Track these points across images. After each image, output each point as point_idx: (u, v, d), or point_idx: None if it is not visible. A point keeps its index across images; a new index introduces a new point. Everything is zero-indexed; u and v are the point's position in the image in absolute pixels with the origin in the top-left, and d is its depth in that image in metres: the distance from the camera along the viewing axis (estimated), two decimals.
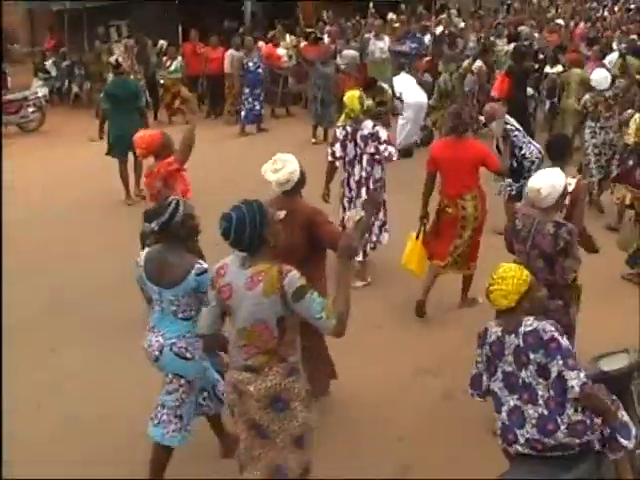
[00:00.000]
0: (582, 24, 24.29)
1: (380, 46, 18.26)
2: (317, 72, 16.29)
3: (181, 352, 5.14)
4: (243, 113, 17.02)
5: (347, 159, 8.85)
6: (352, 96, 8.87)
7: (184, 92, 17.71)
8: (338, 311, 4.13)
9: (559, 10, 31.56)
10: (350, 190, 8.96)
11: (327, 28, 21.03)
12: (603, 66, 14.30)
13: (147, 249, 5.39)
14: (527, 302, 4.56)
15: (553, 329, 4.39)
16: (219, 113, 18.61)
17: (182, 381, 5.21)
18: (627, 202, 9.97)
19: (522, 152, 9.46)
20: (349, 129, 8.81)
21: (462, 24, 22.37)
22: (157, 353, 5.18)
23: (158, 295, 5.16)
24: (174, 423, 5.23)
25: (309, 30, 20.76)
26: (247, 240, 4.27)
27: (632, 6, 31.49)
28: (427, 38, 19.72)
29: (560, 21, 23.66)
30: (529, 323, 4.46)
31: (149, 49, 19.17)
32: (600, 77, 11.72)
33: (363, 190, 8.79)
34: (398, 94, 14.19)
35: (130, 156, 11.66)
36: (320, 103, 16.02)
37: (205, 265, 5.12)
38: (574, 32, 22.11)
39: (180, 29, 21.72)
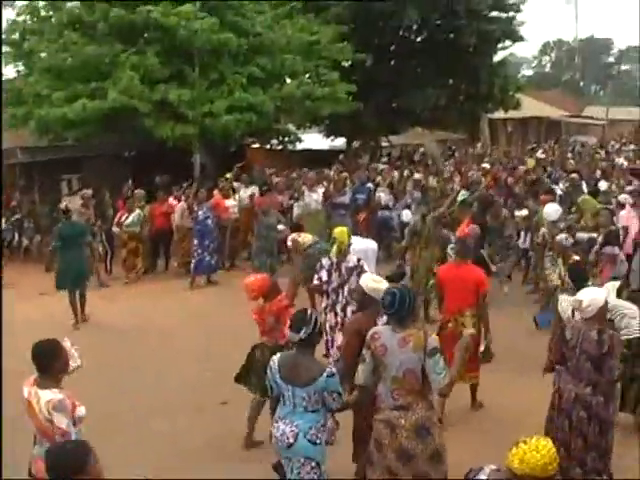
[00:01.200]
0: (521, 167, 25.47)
1: (314, 198, 18.62)
2: (261, 223, 16.61)
3: (313, 438, 6.17)
4: (193, 264, 17.08)
5: (332, 287, 9.67)
6: (342, 231, 10.00)
7: (142, 249, 17.70)
8: (450, 375, 6.03)
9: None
10: (336, 315, 9.69)
11: (275, 179, 21.56)
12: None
13: (279, 354, 6.53)
14: None
15: None
16: (166, 267, 18.80)
17: (313, 463, 6.21)
18: None
19: None
20: (334, 259, 9.82)
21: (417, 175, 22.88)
22: (292, 440, 6.16)
23: (291, 393, 6.21)
24: None
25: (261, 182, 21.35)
26: (405, 312, 6.14)
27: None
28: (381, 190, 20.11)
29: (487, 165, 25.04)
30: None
31: (106, 202, 19.42)
32: (551, 210, 13.18)
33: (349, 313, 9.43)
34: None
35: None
36: (264, 253, 16.25)
37: (334, 369, 6.24)
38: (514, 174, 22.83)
39: (130, 182, 22.12)
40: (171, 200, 19.11)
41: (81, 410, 5.67)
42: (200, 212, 17.11)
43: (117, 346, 12.42)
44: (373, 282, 7.42)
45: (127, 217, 17.58)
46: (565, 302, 8.52)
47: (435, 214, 15.46)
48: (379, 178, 21.92)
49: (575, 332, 7.06)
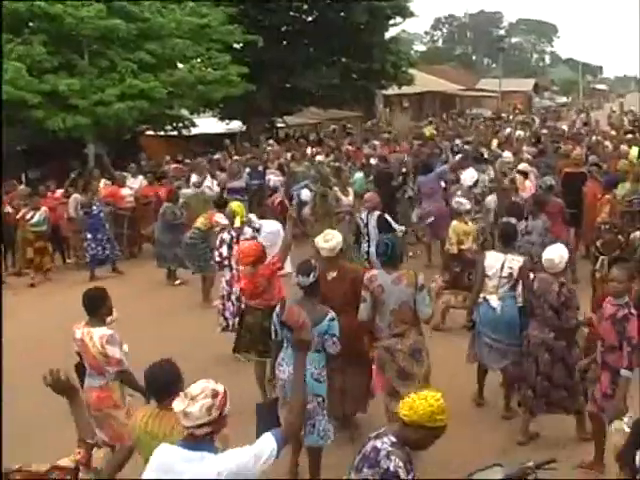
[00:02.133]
0: None
1: (206, 184, 17.78)
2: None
3: (318, 377, 6.86)
4: (88, 258, 16.62)
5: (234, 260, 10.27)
6: (239, 205, 11.00)
7: (49, 248, 16.97)
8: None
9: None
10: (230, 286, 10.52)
11: (169, 167, 21.29)
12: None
13: (287, 301, 7.31)
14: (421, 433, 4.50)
15: (387, 456, 4.45)
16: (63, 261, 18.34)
17: (320, 399, 6.87)
18: (452, 304, 11.44)
19: None
20: (234, 233, 10.64)
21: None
22: None
23: None
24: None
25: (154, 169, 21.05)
26: (395, 257, 7.58)
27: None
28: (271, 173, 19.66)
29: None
30: (384, 440, 4.51)
31: None
32: (467, 176, 13.54)
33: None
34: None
35: None
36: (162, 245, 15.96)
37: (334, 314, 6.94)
38: None
39: (24, 175, 21.67)
40: (57, 193, 18.49)
41: (125, 347, 6.86)
42: (94, 207, 16.63)
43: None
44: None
45: (32, 216, 16.58)
46: (492, 258, 8.68)
47: (321, 190, 15.81)
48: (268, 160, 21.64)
49: (541, 284, 7.89)
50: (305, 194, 17.32)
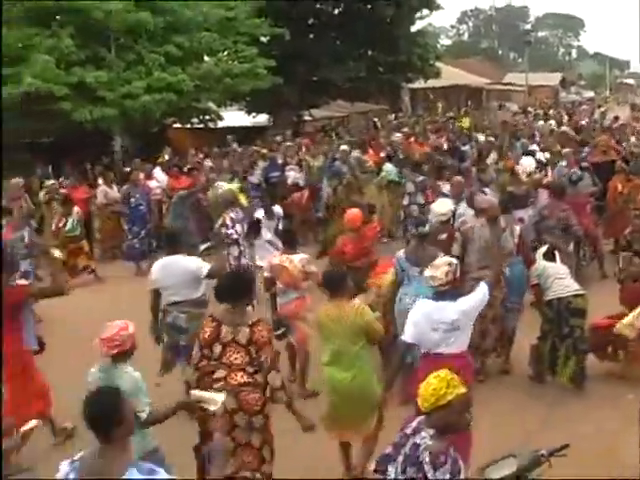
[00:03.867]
0: None
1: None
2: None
3: None
4: (125, 249, 16.30)
5: (241, 237, 10.89)
6: (231, 188, 12.42)
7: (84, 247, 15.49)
8: None
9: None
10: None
11: (196, 160, 21.24)
12: None
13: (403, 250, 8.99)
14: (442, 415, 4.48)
15: (430, 460, 4.41)
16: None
17: None
18: None
19: None
20: (240, 214, 11.09)
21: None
22: None
23: (417, 272, 8.26)
24: None
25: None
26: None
27: None
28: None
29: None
30: (423, 435, 4.46)
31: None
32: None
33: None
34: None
35: None
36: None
37: None
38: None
39: (51, 168, 21.68)
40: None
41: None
42: (133, 199, 16.27)
43: None
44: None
45: (65, 223, 15.79)
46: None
47: (344, 183, 15.77)
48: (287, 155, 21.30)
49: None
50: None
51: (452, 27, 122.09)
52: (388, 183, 17.24)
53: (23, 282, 7.19)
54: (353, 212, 10.05)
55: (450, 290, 6.38)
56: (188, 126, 29.52)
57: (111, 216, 17.15)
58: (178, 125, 29.59)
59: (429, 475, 4.34)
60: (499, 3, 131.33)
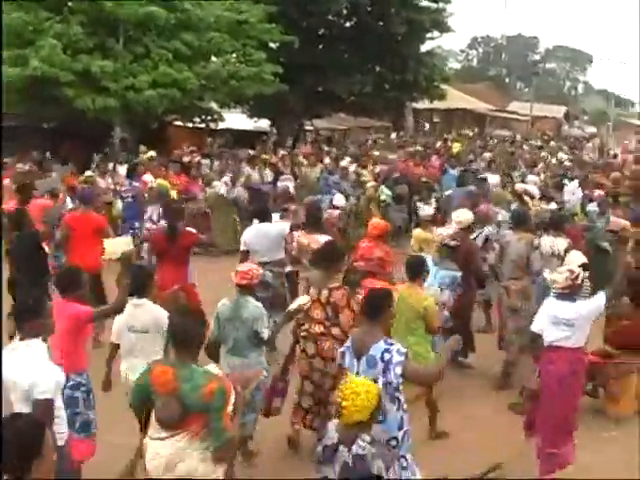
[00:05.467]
0: None
1: (224, 181, 17.93)
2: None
3: None
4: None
5: None
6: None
7: None
8: None
9: None
10: None
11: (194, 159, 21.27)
12: None
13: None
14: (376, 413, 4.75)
15: (381, 464, 4.60)
16: None
17: None
18: None
19: None
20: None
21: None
22: None
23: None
24: None
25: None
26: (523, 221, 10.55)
27: None
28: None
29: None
30: (362, 445, 4.57)
31: None
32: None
33: None
34: None
35: None
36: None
37: None
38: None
39: (49, 154, 21.62)
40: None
41: None
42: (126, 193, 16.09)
43: None
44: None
45: None
46: None
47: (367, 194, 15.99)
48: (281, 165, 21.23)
49: None
50: (338, 199, 16.86)
51: (462, 51, 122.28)
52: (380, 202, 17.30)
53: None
54: (378, 220, 10.78)
55: (570, 293, 7.33)
56: (189, 125, 29.48)
57: (103, 206, 17.11)
58: (179, 123, 29.54)
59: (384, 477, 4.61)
60: (510, 32, 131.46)
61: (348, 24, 35.10)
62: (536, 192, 15.70)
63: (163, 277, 9.45)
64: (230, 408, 5.02)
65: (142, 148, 20.27)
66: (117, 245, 7.09)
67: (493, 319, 11.71)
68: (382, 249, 9.80)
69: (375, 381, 5.42)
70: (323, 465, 4.69)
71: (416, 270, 8.23)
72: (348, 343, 6.10)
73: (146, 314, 7.10)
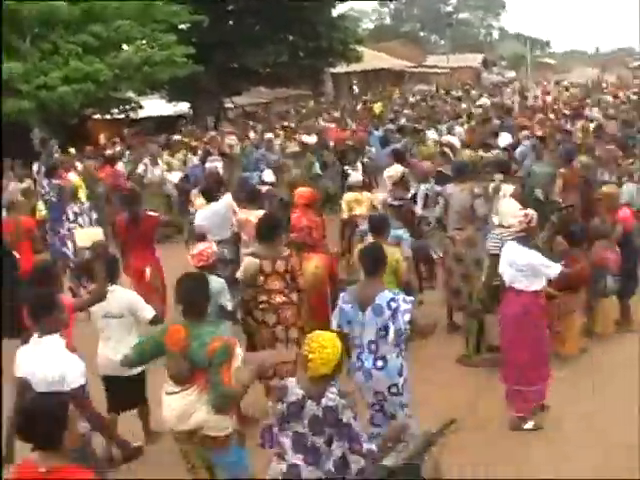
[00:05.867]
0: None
1: (157, 172, 17.52)
2: None
3: None
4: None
5: None
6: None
7: None
8: None
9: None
10: None
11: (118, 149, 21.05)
12: None
13: None
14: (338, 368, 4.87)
15: (350, 414, 4.74)
16: None
17: None
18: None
19: None
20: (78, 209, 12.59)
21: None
22: None
23: None
24: None
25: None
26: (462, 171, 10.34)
27: None
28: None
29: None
30: (331, 397, 4.74)
31: None
32: None
33: None
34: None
35: None
36: None
37: None
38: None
39: None
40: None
41: None
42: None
43: None
44: None
45: None
46: None
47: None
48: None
49: None
50: (267, 175, 16.58)
51: (373, 11, 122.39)
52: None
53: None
54: (304, 189, 10.44)
55: (527, 236, 7.43)
56: (109, 117, 29.17)
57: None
58: (98, 116, 29.20)
59: (353, 425, 4.73)
60: None
61: None
62: (457, 143, 15.85)
63: (133, 262, 9.90)
64: (236, 365, 5.43)
65: (54, 147, 20.07)
66: (88, 235, 7.39)
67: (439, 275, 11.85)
68: (309, 218, 9.73)
69: (384, 327, 6.02)
70: (290, 421, 4.82)
71: (380, 227, 8.30)
72: (346, 298, 6.39)
73: (119, 299, 7.29)
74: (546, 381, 7.51)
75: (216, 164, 17.59)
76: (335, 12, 37.91)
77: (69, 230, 12.83)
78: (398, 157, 13.58)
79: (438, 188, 11.56)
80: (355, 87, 51.88)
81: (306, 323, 7.74)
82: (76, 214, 12.61)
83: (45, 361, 5.45)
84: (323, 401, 4.74)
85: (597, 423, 7.42)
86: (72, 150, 20.10)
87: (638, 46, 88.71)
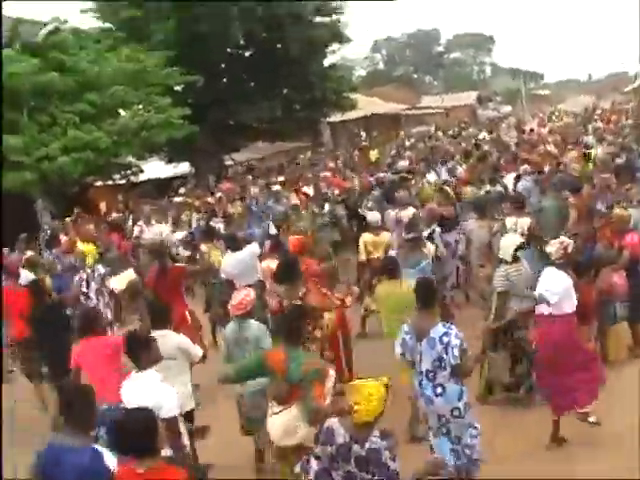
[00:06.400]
0: None
1: (155, 231, 17.69)
2: None
3: None
4: None
5: None
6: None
7: None
8: None
9: None
10: None
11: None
12: None
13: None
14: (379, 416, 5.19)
15: (388, 455, 5.08)
16: None
17: None
18: (371, 309, 11.78)
19: None
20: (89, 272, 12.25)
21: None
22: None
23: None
24: None
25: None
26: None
27: None
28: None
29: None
30: (374, 441, 5.10)
31: None
32: None
33: None
34: None
35: None
36: None
37: None
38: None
39: None
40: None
41: None
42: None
43: None
44: None
45: None
46: None
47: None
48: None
49: None
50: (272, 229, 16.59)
51: (366, 58, 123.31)
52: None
53: None
54: (295, 238, 10.95)
55: (565, 262, 8.00)
56: (110, 182, 29.31)
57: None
58: (99, 183, 29.32)
59: (391, 467, 5.07)
60: (409, 29, 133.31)
61: (247, 53, 35.41)
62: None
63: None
64: (329, 385, 6.35)
65: (46, 218, 20.20)
66: (122, 279, 8.07)
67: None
68: (302, 262, 9.97)
69: (439, 359, 6.51)
70: (339, 461, 5.16)
71: (393, 269, 9.05)
72: (406, 329, 6.89)
73: (171, 342, 7.80)
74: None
75: (219, 225, 17.78)
76: (327, 62, 38.19)
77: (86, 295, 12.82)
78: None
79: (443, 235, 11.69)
80: (363, 133, 52.16)
81: None
82: (87, 281, 12.61)
83: (144, 392, 6.14)
84: (367, 444, 5.11)
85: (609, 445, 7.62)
86: (67, 219, 20.10)
87: (631, 70, 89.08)
